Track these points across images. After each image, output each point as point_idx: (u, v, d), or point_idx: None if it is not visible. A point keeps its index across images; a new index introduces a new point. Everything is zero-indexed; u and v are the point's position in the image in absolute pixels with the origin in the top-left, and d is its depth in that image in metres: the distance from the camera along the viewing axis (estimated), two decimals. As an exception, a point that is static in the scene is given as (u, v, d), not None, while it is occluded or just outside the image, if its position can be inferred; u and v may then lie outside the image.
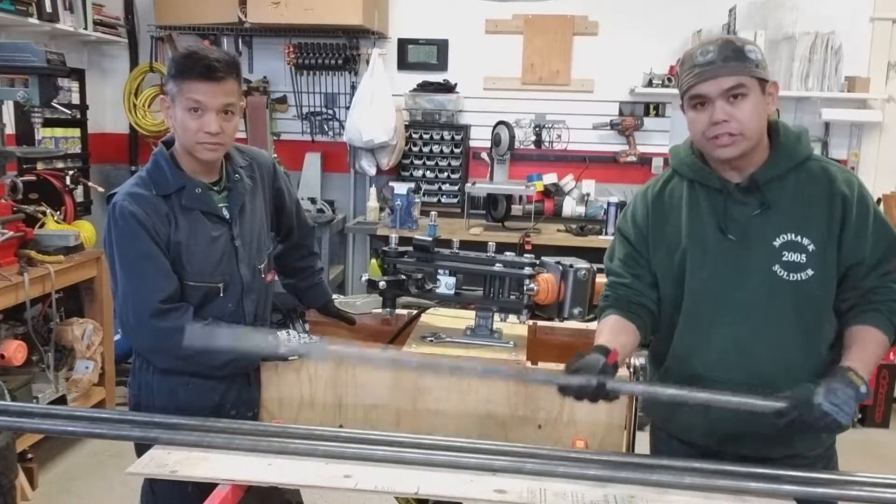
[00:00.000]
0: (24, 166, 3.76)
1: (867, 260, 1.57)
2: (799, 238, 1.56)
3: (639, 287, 1.70)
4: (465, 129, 4.74)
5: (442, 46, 4.77)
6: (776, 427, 1.54)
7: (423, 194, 4.69)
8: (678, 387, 1.52)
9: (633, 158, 4.62)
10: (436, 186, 4.77)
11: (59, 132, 4.32)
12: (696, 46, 1.57)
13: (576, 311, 1.94)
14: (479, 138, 4.77)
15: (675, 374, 1.68)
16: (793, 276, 1.56)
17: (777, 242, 1.57)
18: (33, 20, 3.86)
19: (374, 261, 2.15)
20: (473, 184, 4.40)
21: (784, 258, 1.56)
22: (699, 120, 1.55)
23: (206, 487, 1.45)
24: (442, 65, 4.79)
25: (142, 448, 1.67)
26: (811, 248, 1.56)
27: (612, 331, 1.64)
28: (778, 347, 1.58)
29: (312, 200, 4.59)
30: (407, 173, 4.79)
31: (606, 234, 4.23)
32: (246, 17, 4.50)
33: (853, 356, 1.53)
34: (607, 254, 1.81)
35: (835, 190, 1.57)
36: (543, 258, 2.07)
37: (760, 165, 1.59)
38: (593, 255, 2.34)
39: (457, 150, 4.74)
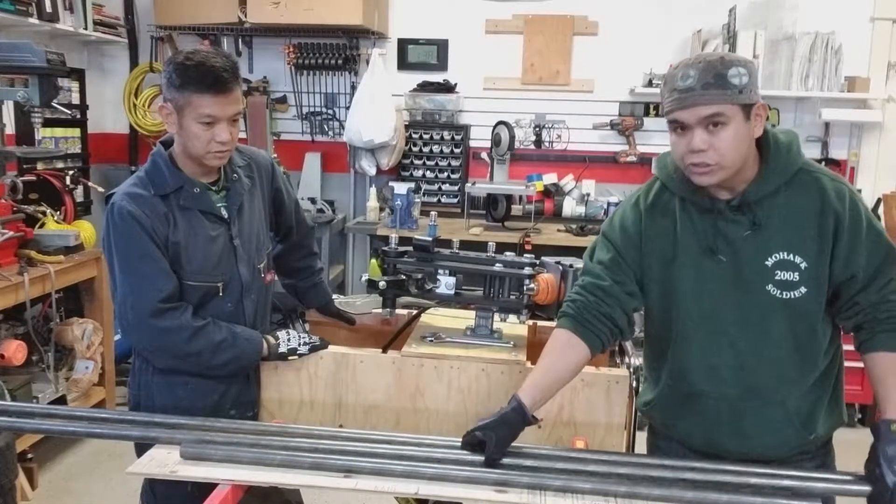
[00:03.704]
0: (24, 166, 3.76)
1: (861, 274, 1.53)
2: (791, 256, 1.53)
3: (615, 292, 1.64)
4: (465, 129, 4.74)
5: (442, 46, 4.77)
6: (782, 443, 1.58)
7: (423, 194, 4.69)
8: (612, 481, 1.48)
9: (633, 158, 4.62)
10: (436, 186, 4.77)
11: (59, 132, 4.32)
12: (678, 66, 1.50)
13: (576, 310, 1.93)
14: (479, 138, 4.76)
15: (672, 390, 1.68)
16: (786, 295, 1.53)
17: (769, 262, 1.54)
18: (33, 20, 3.87)
19: (374, 261, 2.16)
20: (473, 184, 4.40)
21: (777, 277, 1.53)
22: (679, 144, 1.51)
23: (206, 487, 1.46)
24: (442, 65, 4.79)
25: (142, 448, 1.67)
26: (803, 265, 1.53)
27: (556, 359, 1.62)
28: (774, 362, 1.57)
29: (312, 200, 4.59)
30: (407, 173, 4.79)
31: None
32: (246, 17, 4.50)
33: (889, 401, 1.48)
34: (587, 252, 1.75)
35: (826, 205, 1.53)
36: (543, 258, 2.07)
37: (751, 182, 1.54)
38: (593, 254, 2.33)
39: (457, 150, 4.74)
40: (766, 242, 1.54)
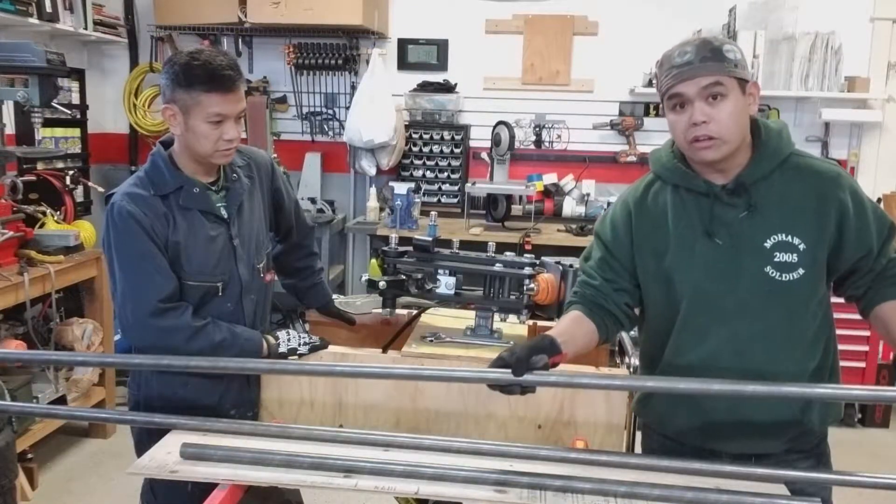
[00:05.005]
0: (24, 166, 3.76)
1: (875, 247, 1.59)
2: (790, 238, 1.55)
3: (606, 290, 1.68)
4: (465, 129, 4.73)
5: (442, 46, 4.77)
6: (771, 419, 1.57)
7: (423, 194, 4.68)
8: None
9: (633, 158, 4.62)
10: (436, 186, 4.77)
11: (59, 132, 4.32)
12: (673, 48, 1.55)
13: (576, 310, 1.93)
14: (479, 138, 4.77)
15: (667, 374, 1.68)
16: (785, 277, 1.55)
17: (768, 244, 1.55)
18: (33, 20, 3.86)
19: (374, 261, 2.15)
20: (473, 184, 4.40)
21: (776, 259, 1.55)
22: (679, 122, 1.54)
23: (206, 487, 1.46)
24: (442, 65, 4.79)
25: (142, 448, 1.67)
26: (802, 246, 1.55)
27: (571, 322, 1.65)
28: (770, 344, 1.58)
29: (312, 200, 4.59)
30: (407, 173, 4.79)
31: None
32: (246, 17, 4.50)
33: None
34: (583, 254, 1.79)
35: (827, 191, 1.55)
36: (543, 258, 2.07)
37: (745, 166, 1.57)
38: (593, 255, 2.33)
39: (457, 150, 4.74)
40: (765, 224, 1.56)
